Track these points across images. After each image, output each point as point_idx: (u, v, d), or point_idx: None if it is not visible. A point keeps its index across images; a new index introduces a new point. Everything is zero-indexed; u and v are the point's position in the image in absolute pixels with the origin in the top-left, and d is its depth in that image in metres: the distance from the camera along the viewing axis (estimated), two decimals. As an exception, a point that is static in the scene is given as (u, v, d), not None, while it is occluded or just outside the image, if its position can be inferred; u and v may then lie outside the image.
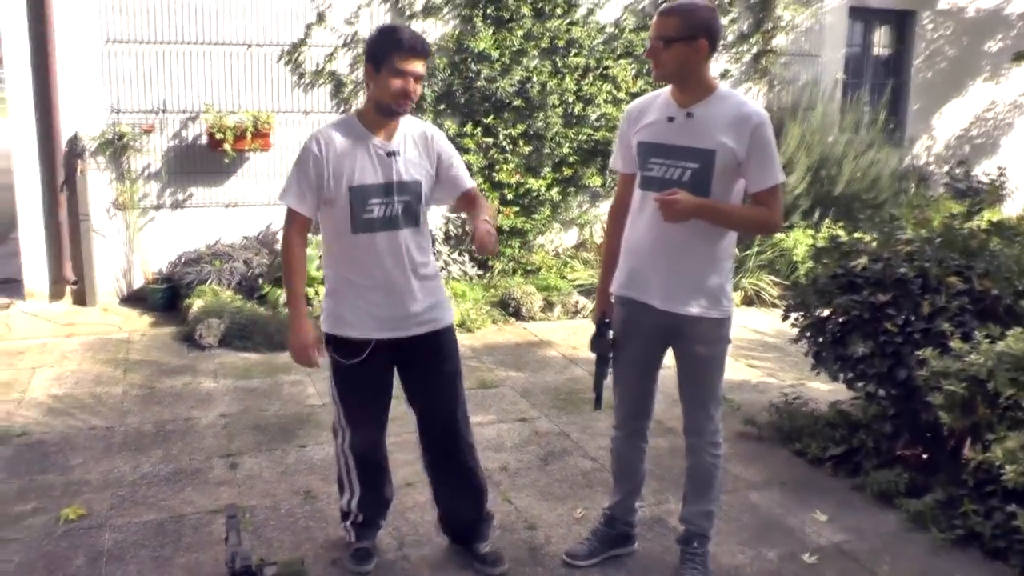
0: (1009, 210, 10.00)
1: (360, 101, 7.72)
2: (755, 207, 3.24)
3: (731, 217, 3.25)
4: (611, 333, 3.49)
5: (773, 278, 7.98)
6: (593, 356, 3.58)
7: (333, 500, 4.01)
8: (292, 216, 3.28)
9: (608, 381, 3.57)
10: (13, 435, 4.76)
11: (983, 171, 10.38)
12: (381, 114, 3.21)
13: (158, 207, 7.42)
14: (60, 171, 7.07)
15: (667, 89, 3.29)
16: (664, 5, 3.20)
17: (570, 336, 6.88)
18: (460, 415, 3.50)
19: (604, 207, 8.31)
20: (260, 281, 7.10)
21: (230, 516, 3.27)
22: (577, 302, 7.49)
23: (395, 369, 3.45)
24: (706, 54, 3.14)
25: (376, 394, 3.43)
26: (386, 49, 3.12)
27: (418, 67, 3.13)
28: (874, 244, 4.66)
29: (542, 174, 8.21)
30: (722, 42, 8.76)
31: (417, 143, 3.30)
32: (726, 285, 3.32)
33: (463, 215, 8.07)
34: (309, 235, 3.48)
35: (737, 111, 3.16)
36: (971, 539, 3.79)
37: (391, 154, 3.23)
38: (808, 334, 4.71)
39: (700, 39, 3.11)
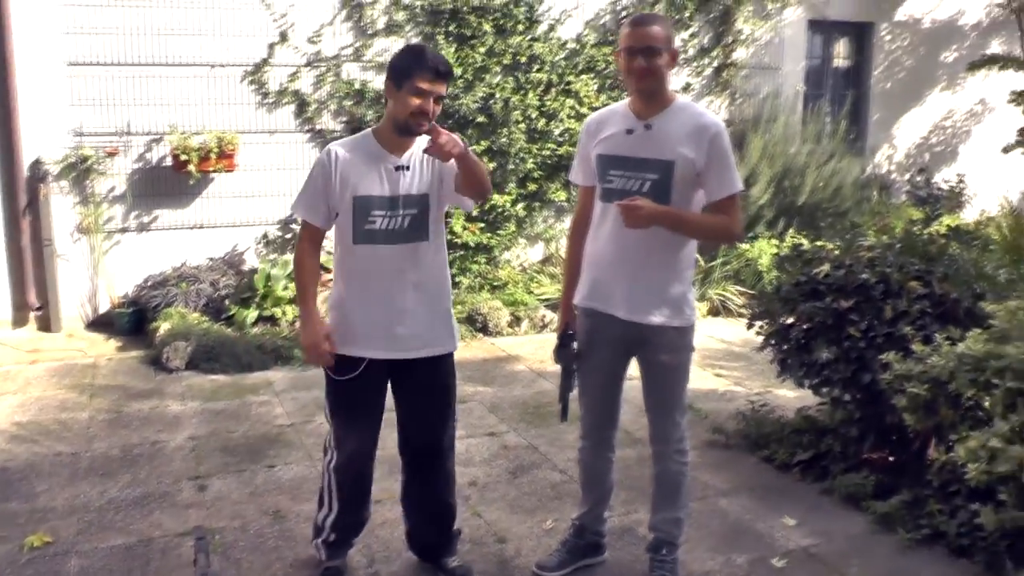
0: (968, 216, 10.15)
1: (324, 120, 7.73)
2: (715, 215, 3.28)
3: (692, 225, 3.29)
4: (575, 344, 3.50)
5: (739, 288, 8.03)
6: (559, 369, 3.59)
7: (302, 519, 4.00)
8: (304, 227, 3.30)
9: (574, 393, 3.57)
10: (-24, 463, 4.70)
11: (943, 178, 10.52)
12: (398, 132, 3.18)
13: (123, 230, 7.37)
14: (22, 196, 7.01)
15: (625, 101, 3.34)
16: (636, 16, 3.24)
17: (538, 350, 6.89)
18: (444, 443, 3.48)
19: (569, 222, 8.34)
20: (227, 302, 7.06)
21: (199, 538, 3.26)
22: (544, 316, 7.51)
23: (389, 386, 3.41)
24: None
25: (367, 411, 3.37)
26: (409, 68, 3.09)
27: (439, 88, 3.11)
28: (836, 251, 4.72)
29: (507, 190, 8.23)
30: (683, 56, 8.90)
31: (425, 157, 3.23)
32: (688, 294, 3.36)
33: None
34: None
35: (695, 122, 3.22)
36: (937, 538, 3.83)
37: (400, 168, 3.21)
38: (773, 342, 4.75)
39: (673, 46, 3.21)
